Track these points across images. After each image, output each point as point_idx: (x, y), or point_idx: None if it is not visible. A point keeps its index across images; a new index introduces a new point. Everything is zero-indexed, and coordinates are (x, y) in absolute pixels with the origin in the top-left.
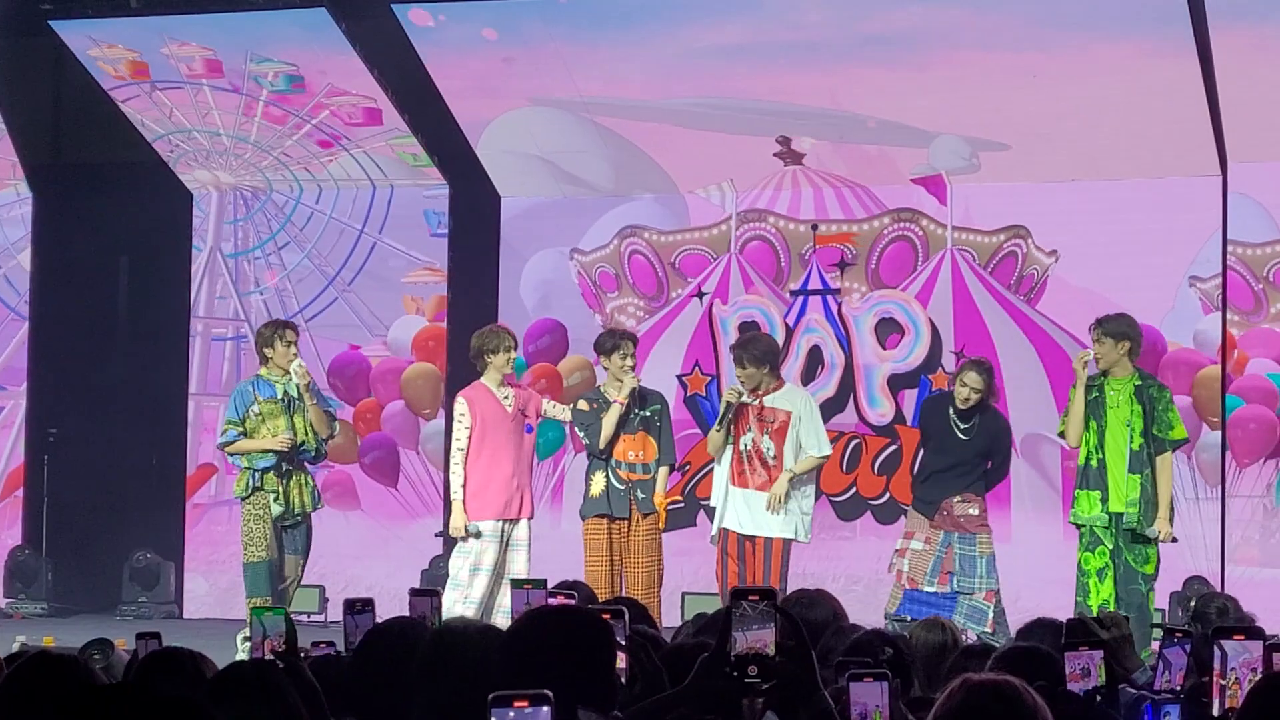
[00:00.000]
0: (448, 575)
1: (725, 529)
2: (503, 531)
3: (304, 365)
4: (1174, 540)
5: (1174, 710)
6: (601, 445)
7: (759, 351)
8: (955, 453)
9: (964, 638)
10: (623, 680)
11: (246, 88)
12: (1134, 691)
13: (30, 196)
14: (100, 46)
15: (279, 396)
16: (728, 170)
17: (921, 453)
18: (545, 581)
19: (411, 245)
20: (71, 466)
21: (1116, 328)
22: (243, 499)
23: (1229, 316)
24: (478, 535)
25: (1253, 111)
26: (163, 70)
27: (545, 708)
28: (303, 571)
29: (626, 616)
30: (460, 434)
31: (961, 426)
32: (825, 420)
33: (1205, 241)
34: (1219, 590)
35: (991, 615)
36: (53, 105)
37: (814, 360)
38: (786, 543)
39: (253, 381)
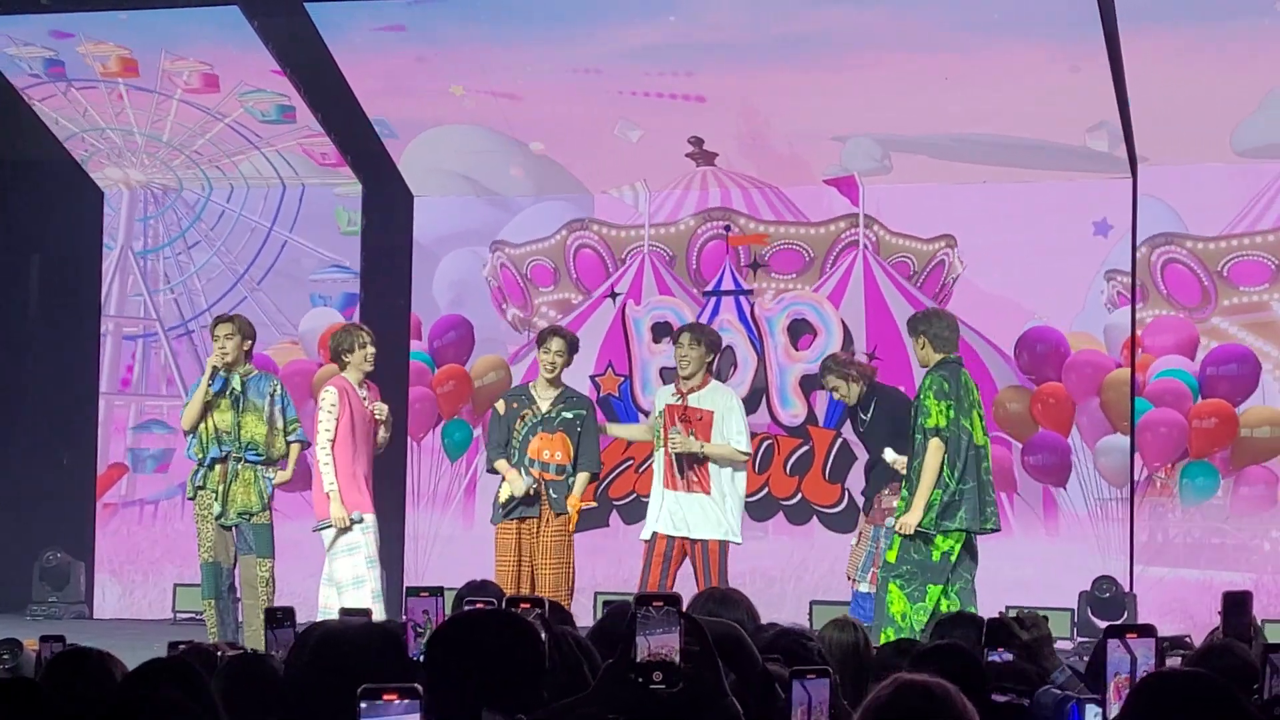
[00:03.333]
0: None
1: (658, 532)
2: (375, 525)
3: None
4: (913, 536)
5: (1099, 709)
6: (489, 466)
7: (715, 338)
8: (870, 446)
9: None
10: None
11: (161, 86)
12: (1058, 692)
13: None
14: (16, 45)
15: (225, 391)
16: (640, 171)
17: None
18: (442, 589)
19: (321, 244)
20: None
21: (914, 326)
22: (191, 499)
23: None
24: (359, 521)
25: (1162, 114)
26: (77, 68)
27: (414, 700)
28: (271, 572)
29: (546, 606)
30: (329, 424)
31: (861, 418)
32: None
33: (1115, 243)
34: (1128, 590)
35: None
36: None
37: (726, 361)
38: (723, 544)
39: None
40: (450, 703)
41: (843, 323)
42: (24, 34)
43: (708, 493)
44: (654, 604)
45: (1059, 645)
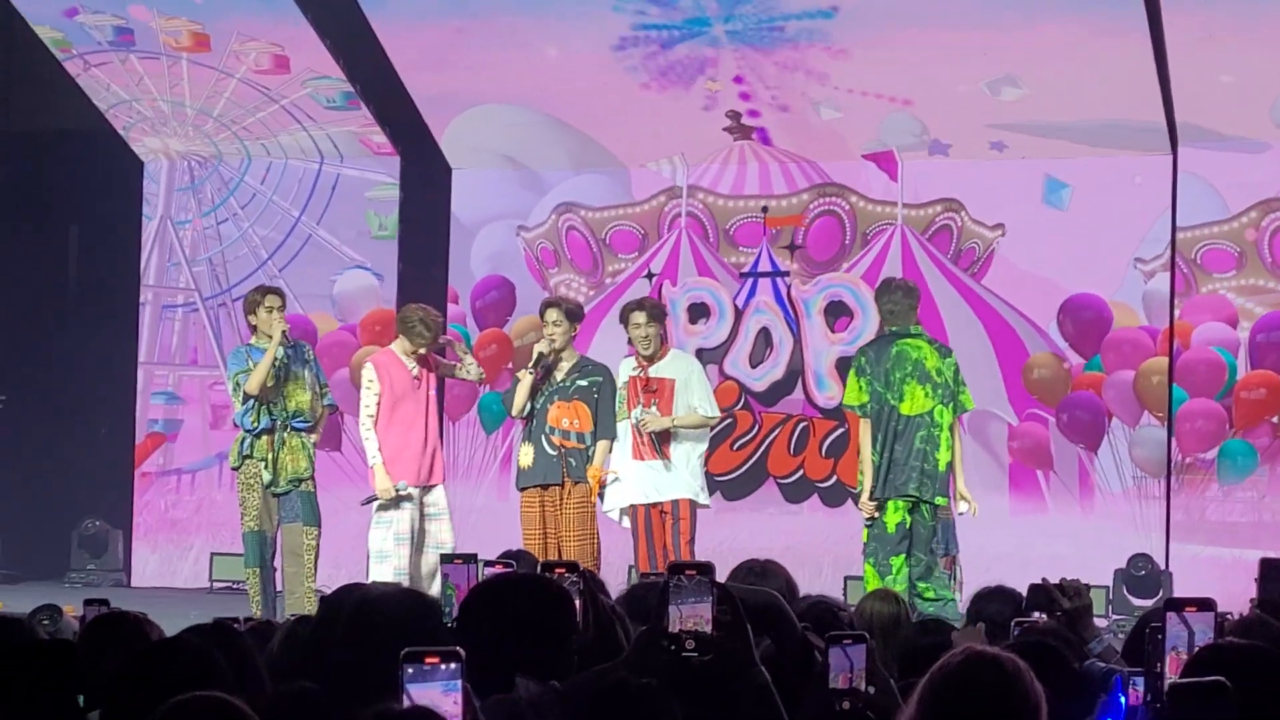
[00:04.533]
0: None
1: (635, 504)
2: (417, 498)
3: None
4: (871, 519)
5: (1139, 681)
6: (514, 413)
7: (660, 309)
8: None
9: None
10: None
11: (224, 64)
12: (1102, 665)
13: None
14: (87, 12)
15: (272, 363)
16: (677, 145)
17: None
18: (475, 556)
19: (348, 242)
20: (20, 434)
21: (875, 297)
22: (235, 469)
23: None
24: (408, 497)
25: (1204, 92)
26: (147, 40)
27: (454, 664)
28: (317, 540)
29: (581, 569)
30: (369, 400)
31: None
32: (773, 403)
33: (1154, 222)
34: (1164, 568)
35: (951, 581)
36: (2, 72)
37: (763, 342)
38: (692, 504)
39: (245, 348)
40: (482, 668)
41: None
42: (98, 2)
43: (669, 457)
44: (687, 573)
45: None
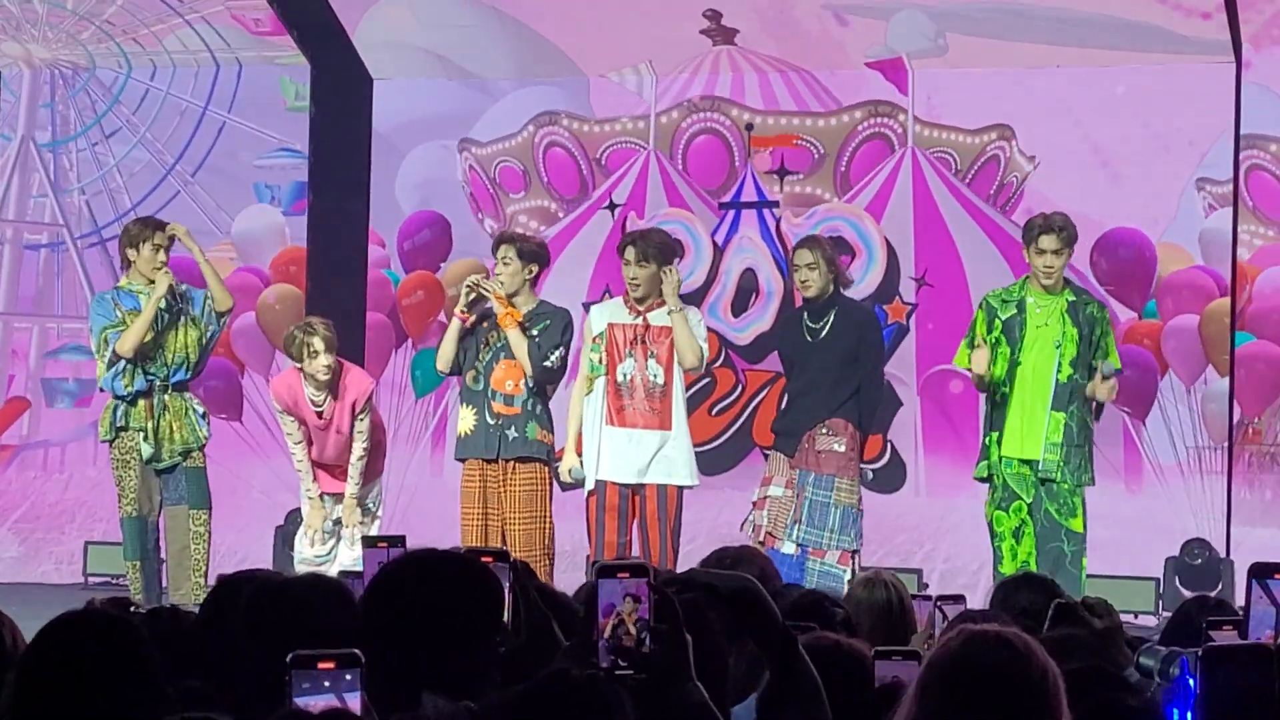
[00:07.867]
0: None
1: (606, 481)
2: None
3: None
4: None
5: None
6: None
7: (655, 246)
8: (812, 364)
9: None
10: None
11: None
12: (1161, 649)
13: None
14: None
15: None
16: (646, 51)
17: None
18: (404, 539)
19: (265, 124)
20: None
21: (1073, 233)
22: (108, 441)
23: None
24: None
25: None
26: None
27: (354, 670)
28: (208, 526)
29: (511, 559)
30: (290, 427)
31: (811, 326)
32: (761, 358)
33: (1214, 141)
34: (1224, 555)
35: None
36: None
37: (747, 286)
38: (680, 490)
39: (112, 293)
40: (383, 676)
41: (886, 241)
42: None
43: (668, 428)
44: (619, 575)
45: (1141, 620)
